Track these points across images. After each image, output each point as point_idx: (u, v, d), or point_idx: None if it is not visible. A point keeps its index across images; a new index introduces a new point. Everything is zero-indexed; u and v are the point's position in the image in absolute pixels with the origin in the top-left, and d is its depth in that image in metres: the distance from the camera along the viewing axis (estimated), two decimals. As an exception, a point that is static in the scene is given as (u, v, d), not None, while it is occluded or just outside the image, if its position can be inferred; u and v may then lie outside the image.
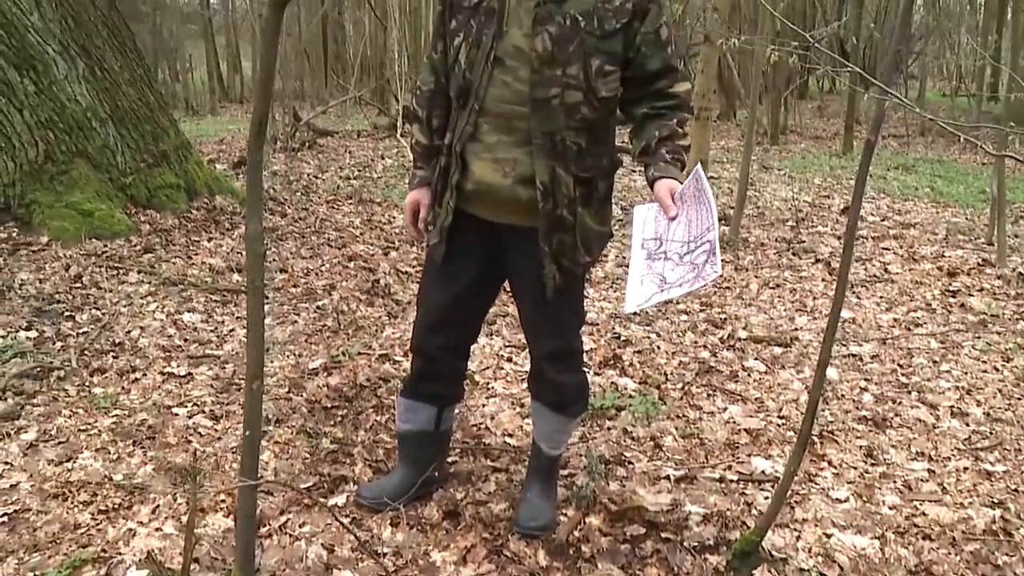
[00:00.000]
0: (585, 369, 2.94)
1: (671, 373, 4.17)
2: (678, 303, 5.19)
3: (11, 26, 5.58)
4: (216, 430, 3.37)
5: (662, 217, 2.32)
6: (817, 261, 6.39)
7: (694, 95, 7.67)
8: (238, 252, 5.66)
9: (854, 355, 4.53)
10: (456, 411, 3.03)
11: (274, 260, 5.62)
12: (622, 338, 4.57)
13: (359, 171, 9.52)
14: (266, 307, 4.71)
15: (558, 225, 2.42)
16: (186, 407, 3.56)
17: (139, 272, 5.13)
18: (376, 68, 20.80)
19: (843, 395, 4.01)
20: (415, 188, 2.68)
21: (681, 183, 2.33)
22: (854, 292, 5.62)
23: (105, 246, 5.50)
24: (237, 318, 4.62)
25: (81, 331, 4.34)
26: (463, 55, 2.40)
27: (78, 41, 5.86)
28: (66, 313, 4.53)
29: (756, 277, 5.98)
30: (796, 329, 4.94)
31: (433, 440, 2.89)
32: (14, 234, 5.62)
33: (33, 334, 4.27)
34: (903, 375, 4.28)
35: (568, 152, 2.37)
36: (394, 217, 7.05)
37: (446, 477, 3.03)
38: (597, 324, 4.78)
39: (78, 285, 4.91)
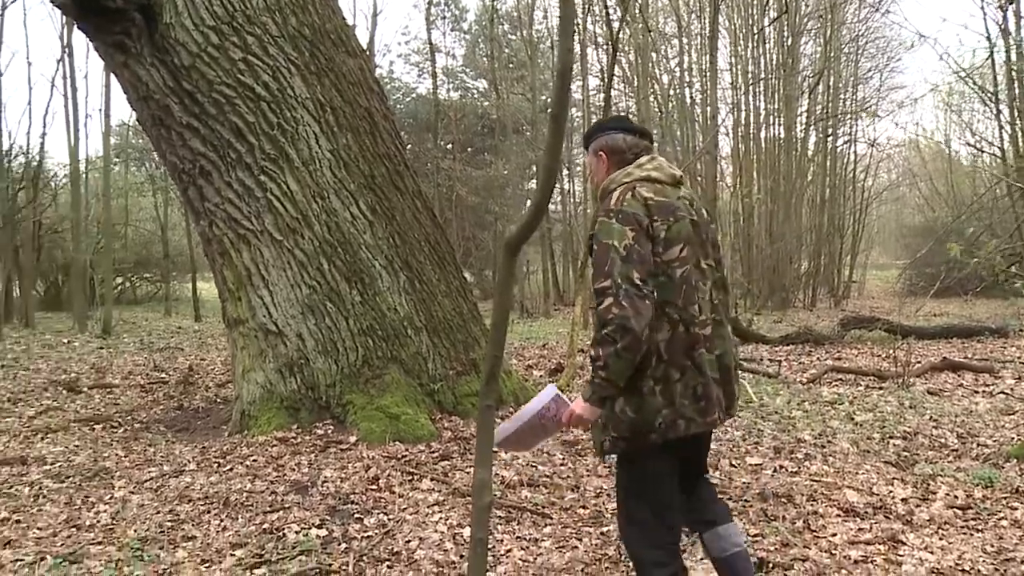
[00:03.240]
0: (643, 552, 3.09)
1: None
2: None
3: (347, 243, 6.15)
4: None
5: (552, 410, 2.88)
6: None
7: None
8: (532, 466, 5.62)
9: None
10: None
11: (568, 477, 5.50)
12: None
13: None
14: (548, 528, 4.59)
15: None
16: (443, 633, 3.44)
17: (432, 479, 5.22)
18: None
19: None
20: None
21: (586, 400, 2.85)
22: None
23: (406, 450, 5.69)
24: (517, 537, 4.50)
25: (366, 535, 4.42)
26: None
27: (402, 256, 6.34)
28: (356, 515, 4.66)
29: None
30: None
31: None
32: (329, 431, 5.99)
33: (323, 532, 4.42)
34: None
35: None
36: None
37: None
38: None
39: (373, 487, 5.07)
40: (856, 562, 4.20)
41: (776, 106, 23.27)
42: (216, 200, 6.20)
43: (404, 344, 6.26)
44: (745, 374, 9.65)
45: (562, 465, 5.73)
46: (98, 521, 4.74)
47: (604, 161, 3.19)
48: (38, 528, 4.68)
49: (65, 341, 14.49)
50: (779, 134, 22.86)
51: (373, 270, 6.22)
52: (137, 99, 6.37)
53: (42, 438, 6.73)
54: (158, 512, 4.82)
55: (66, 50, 17.66)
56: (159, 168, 24.70)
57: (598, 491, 5.29)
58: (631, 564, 4.16)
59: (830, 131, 24.45)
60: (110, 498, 5.13)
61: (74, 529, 4.64)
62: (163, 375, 10.25)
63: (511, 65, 25.44)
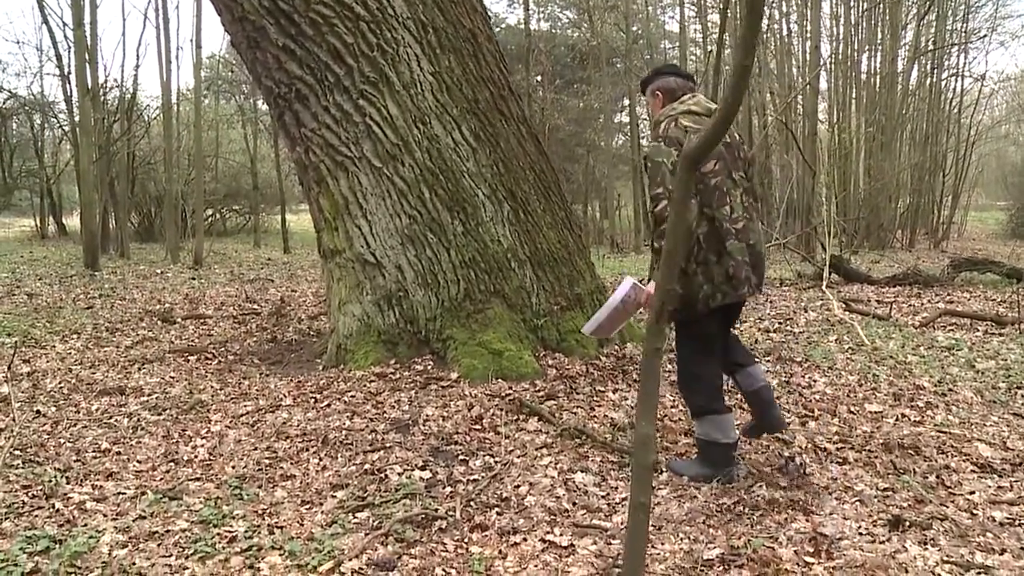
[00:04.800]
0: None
1: None
2: None
3: (449, 171, 5.86)
4: (590, 622, 2.95)
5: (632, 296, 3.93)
6: None
7: None
8: (640, 406, 5.33)
9: None
10: None
11: (679, 420, 5.19)
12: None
13: (779, 324, 8.91)
14: (664, 475, 4.29)
15: None
16: (561, 587, 3.19)
17: (538, 420, 4.96)
18: (803, 213, 20.16)
19: None
20: None
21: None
22: None
23: (510, 388, 5.44)
24: (631, 483, 4.23)
25: (471, 478, 4.19)
26: None
27: (506, 185, 6.02)
28: (460, 456, 4.44)
29: None
30: None
31: None
32: (429, 367, 5.77)
33: (427, 475, 4.20)
34: None
35: None
36: (815, 381, 6.36)
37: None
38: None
39: (477, 427, 4.84)
40: (1002, 524, 3.83)
41: (879, 37, 22.15)
42: (313, 125, 5.94)
43: (507, 277, 5.97)
44: (854, 315, 9.21)
45: (673, 408, 5.42)
46: (196, 456, 4.61)
47: (659, 99, 4.17)
48: (138, 461, 4.57)
49: (158, 272, 14.63)
50: (881, 67, 21.75)
51: (476, 199, 5.91)
52: (232, 21, 6.12)
53: (139, 368, 6.68)
54: (255, 448, 4.67)
55: (157, -21, 17.63)
56: (248, 99, 24.74)
57: (712, 437, 4.97)
58: (754, 512, 3.88)
59: (935, 63, 23.23)
60: (207, 432, 5.01)
61: (172, 464, 4.51)
62: (255, 307, 10.19)
63: (602, -7, 24.68)
